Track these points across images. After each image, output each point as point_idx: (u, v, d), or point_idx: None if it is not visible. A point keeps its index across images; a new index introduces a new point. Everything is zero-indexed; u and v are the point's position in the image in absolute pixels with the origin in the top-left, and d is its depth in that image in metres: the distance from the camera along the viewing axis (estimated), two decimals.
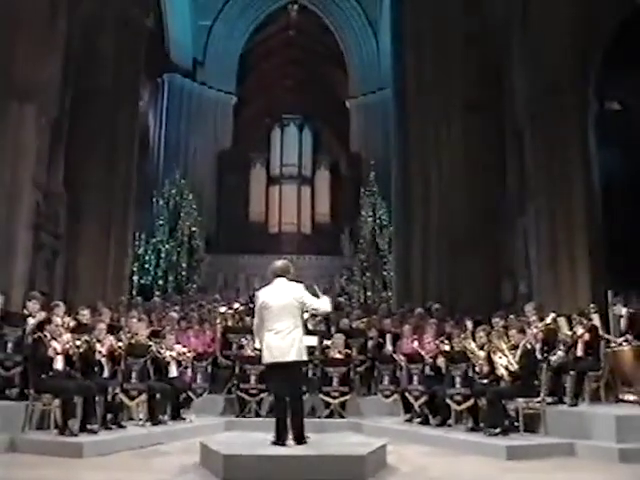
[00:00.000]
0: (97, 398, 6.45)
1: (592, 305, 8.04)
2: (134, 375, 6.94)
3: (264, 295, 5.44)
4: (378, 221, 20.36)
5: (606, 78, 11.73)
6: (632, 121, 13.09)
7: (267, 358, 5.34)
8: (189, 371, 8.25)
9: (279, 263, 5.56)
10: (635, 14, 9.74)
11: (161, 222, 20.17)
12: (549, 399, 6.85)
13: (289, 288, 5.39)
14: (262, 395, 8.03)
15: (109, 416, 6.62)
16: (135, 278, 18.06)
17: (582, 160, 11.17)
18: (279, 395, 5.38)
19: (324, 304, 5.49)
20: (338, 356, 8.43)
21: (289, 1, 24.27)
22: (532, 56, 11.66)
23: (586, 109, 11.54)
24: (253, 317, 9.39)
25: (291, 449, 5.10)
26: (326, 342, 8.71)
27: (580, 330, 7.36)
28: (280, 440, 5.18)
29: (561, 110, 11.25)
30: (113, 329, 7.68)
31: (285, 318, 5.28)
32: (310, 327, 8.12)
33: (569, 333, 7.48)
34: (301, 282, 5.52)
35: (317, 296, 5.47)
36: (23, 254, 10.35)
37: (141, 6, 14.98)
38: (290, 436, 5.20)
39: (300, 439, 5.19)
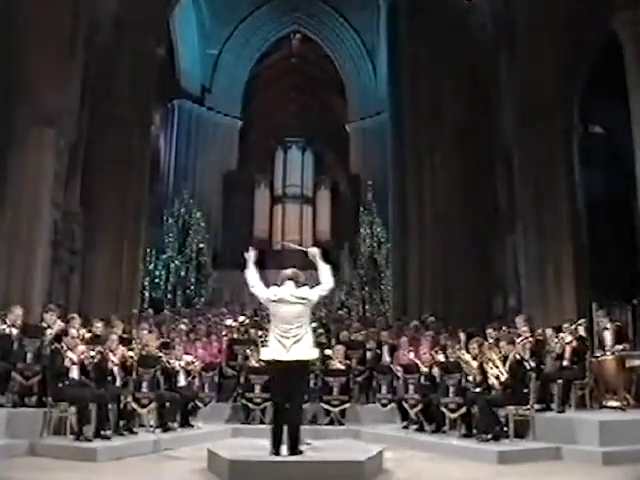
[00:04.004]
0: (110, 406, 6.49)
1: (582, 319, 8.15)
2: (145, 384, 6.99)
3: (275, 294, 5.37)
4: (376, 238, 20.39)
5: (590, 102, 11.85)
6: (614, 143, 13.21)
7: (272, 355, 5.22)
8: (197, 381, 8.29)
9: (289, 270, 5.57)
10: (617, 39, 9.79)
11: (171, 239, 20.22)
12: (537, 406, 6.89)
13: (297, 292, 5.33)
14: (266, 404, 8.02)
15: (121, 423, 6.66)
16: (146, 292, 18.08)
17: (567, 180, 11.28)
18: (278, 404, 5.26)
19: (326, 285, 5.34)
20: (338, 366, 8.47)
21: (291, 31, 24.65)
22: (519, 81, 11.80)
23: (571, 132, 11.66)
24: (258, 329, 9.57)
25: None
26: (327, 352, 8.75)
27: (568, 337, 7.44)
28: (274, 449, 5.04)
29: (547, 133, 11.37)
30: (125, 340, 7.74)
31: (292, 323, 5.23)
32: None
33: (560, 336, 7.55)
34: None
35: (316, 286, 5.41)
36: (42, 269, 10.38)
37: (154, 36, 15.16)
38: (284, 446, 5.05)
39: (293, 450, 5.01)
